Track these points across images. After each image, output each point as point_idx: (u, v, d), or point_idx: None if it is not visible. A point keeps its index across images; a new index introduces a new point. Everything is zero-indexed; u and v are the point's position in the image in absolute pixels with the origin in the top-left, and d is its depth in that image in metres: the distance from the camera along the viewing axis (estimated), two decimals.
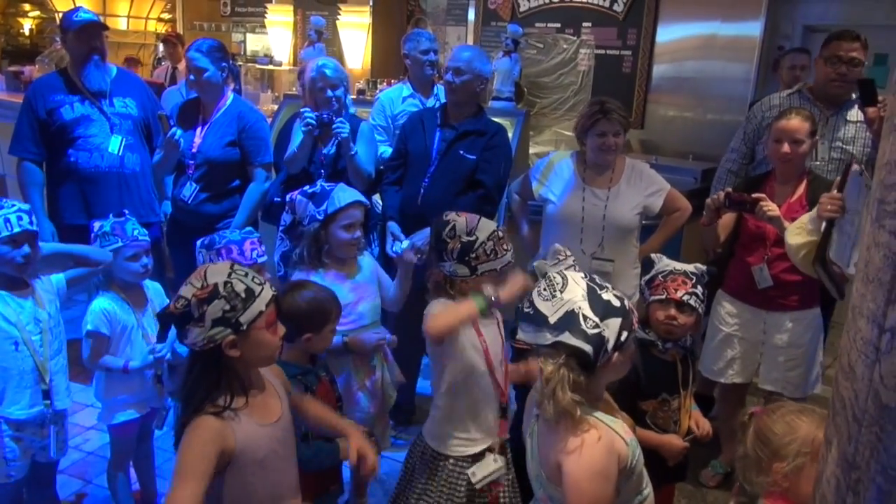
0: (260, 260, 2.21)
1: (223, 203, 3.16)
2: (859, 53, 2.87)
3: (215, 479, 1.43)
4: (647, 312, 2.08)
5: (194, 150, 3.10)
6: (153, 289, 2.49)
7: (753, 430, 1.42)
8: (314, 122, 2.91)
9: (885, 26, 3.74)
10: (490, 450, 1.93)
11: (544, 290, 1.44)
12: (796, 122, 2.52)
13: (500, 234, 1.87)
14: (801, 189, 2.60)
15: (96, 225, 2.32)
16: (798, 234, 2.30)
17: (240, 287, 1.44)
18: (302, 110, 3.02)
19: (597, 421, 1.42)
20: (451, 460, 1.89)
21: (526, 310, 1.46)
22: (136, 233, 2.33)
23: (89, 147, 3.12)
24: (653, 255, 2.17)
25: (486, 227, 1.86)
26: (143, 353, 2.35)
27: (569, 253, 1.76)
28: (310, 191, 2.29)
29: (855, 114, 2.91)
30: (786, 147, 2.54)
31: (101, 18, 3.26)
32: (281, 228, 2.35)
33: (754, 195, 2.49)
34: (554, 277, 1.45)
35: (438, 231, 1.87)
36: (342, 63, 3.37)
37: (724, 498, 2.86)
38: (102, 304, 2.30)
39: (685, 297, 2.02)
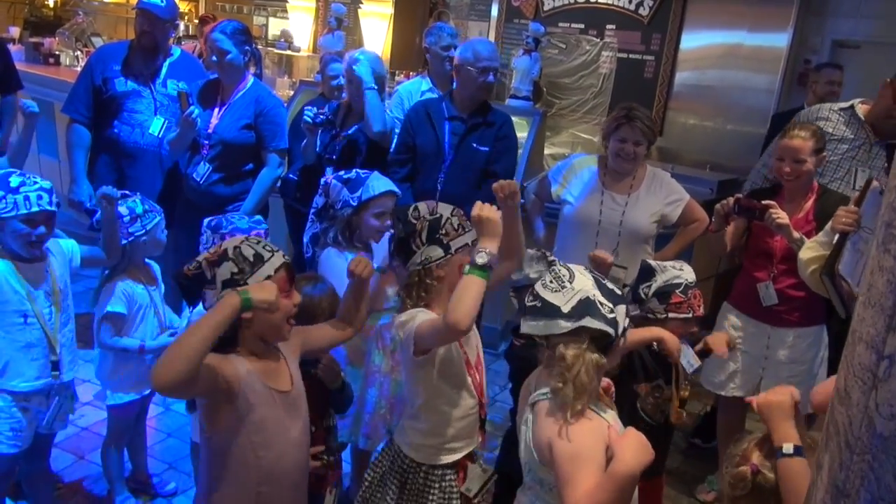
0: None
1: (235, 185, 3.19)
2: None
3: (220, 436, 1.49)
4: (652, 325, 2.04)
5: (210, 131, 3.12)
6: (155, 267, 2.52)
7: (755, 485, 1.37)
8: (310, 121, 3.02)
9: None
10: (470, 458, 1.90)
11: (550, 282, 1.49)
12: (798, 142, 2.48)
13: (461, 210, 1.85)
14: (808, 205, 2.57)
15: (122, 209, 2.31)
16: (811, 248, 2.27)
17: (248, 252, 1.52)
18: (304, 107, 3.06)
19: (592, 411, 1.47)
20: (425, 471, 1.83)
21: (531, 303, 1.50)
22: (154, 204, 2.41)
23: (132, 122, 3.23)
24: (651, 262, 2.12)
25: (445, 205, 1.85)
26: (154, 332, 2.39)
27: (548, 254, 1.77)
28: (345, 176, 2.32)
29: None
30: (787, 167, 2.51)
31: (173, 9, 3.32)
32: (312, 210, 2.38)
33: (764, 202, 2.46)
34: (560, 270, 1.52)
35: (403, 217, 1.81)
36: None
37: None
38: (122, 284, 2.33)
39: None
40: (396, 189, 2.36)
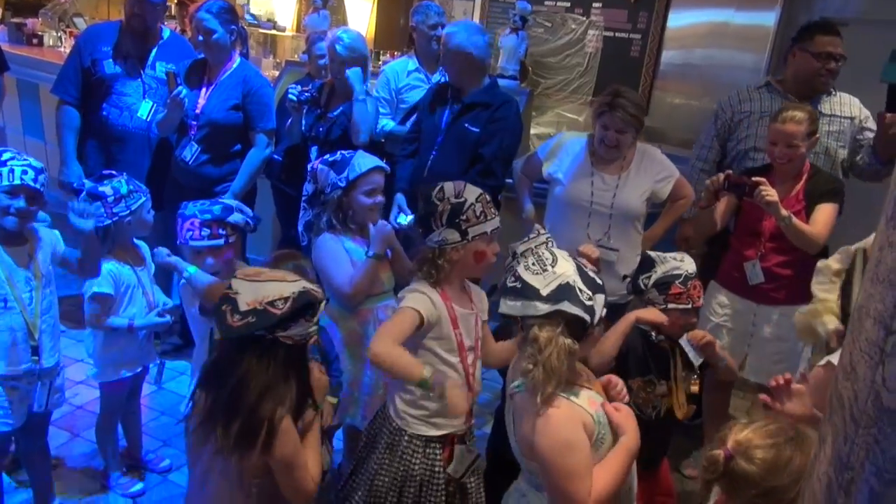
0: (194, 244, 2.19)
1: (223, 166, 3.17)
2: (842, 49, 2.83)
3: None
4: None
5: (197, 111, 3.10)
6: (144, 248, 2.50)
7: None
8: (295, 100, 3.01)
9: None
10: (461, 439, 1.93)
11: (532, 264, 1.51)
12: (792, 127, 2.48)
13: (488, 197, 1.86)
14: (800, 185, 2.59)
15: (107, 189, 2.28)
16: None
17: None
18: (289, 87, 3.04)
19: (560, 397, 1.48)
20: (408, 437, 1.87)
21: (512, 284, 1.51)
22: (141, 185, 2.38)
23: (121, 105, 3.19)
24: (652, 254, 2.13)
25: (473, 189, 1.85)
26: (142, 311, 2.39)
27: (542, 231, 1.78)
28: (330, 159, 2.31)
29: (829, 107, 2.86)
30: (780, 150, 2.52)
31: None
32: (304, 198, 2.37)
33: (754, 178, 2.47)
34: (543, 253, 1.54)
35: (427, 196, 1.83)
36: None
37: None
38: (108, 265, 2.31)
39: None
40: (384, 165, 2.35)
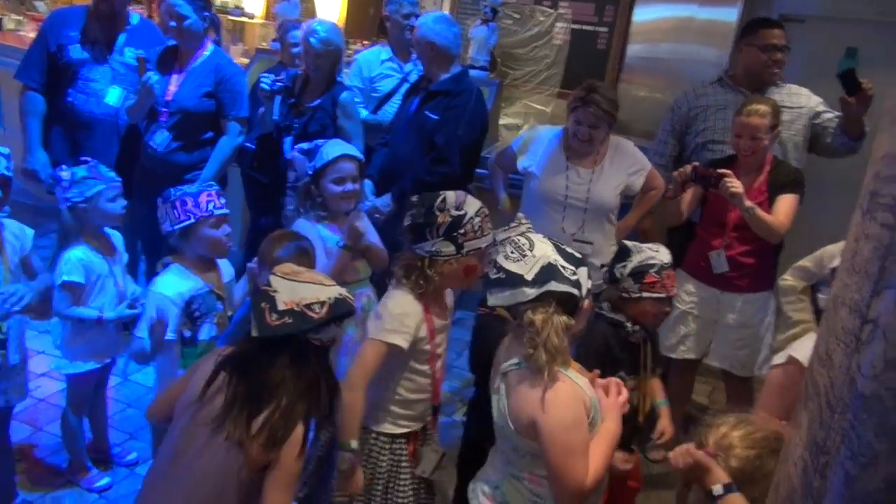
0: (217, 212, 2.19)
1: (194, 154, 3.11)
2: (786, 40, 2.97)
3: None
4: (626, 303, 2.07)
5: (168, 98, 3.04)
6: (116, 237, 2.44)
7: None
8: (268, 89, 2.98)
9: (858, 20, 3.80)
10: (422, 441, 1.94)
11: (511, 252, 1.54)
12: (756, 121, 2.56)
13: (486, 211, 1.84)
14: (762, 177, 2.66)
15: (65, 173, 2.25)
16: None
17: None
18: (261, 75, 3.00)
19: (564, 374, 1.52)
20: (374, 434, 1.87)
21: (495, 276, 1.54)
22: (111, 174, 2.33)
23: (88, 91, 3.10)
24: (628, 244, 2.16)
25: (473, 202, 1.82)
26: (113, 302, 2.34)
27: (524, 220, 1.79)
28: (306, 148, 2.33)
29: (778, 98, 2.94)
30: (744, 142, 2.60)
31: None
32: (289, 185, 2.40)
33: (720, 170, 2.54)
34: (518, 240, 1.56)
35: (428, 204, 1.77)
36: None
37: (668, 472, 2.96)
38: (78, 253, 2.26)
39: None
40: (355, 153, 2.34)
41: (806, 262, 2.21)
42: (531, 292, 1.48)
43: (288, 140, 3.03)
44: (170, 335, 2.12)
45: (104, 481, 2.55)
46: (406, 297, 1.79)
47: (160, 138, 3.04)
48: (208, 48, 3.09)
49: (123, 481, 2.60)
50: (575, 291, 1.50)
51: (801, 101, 2.99)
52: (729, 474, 1.30)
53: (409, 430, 1.88)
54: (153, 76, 2.90)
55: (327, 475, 1.93)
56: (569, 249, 1.56)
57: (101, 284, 2.32)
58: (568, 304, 1.50)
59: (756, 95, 2.84)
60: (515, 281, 1.49)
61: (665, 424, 2.15)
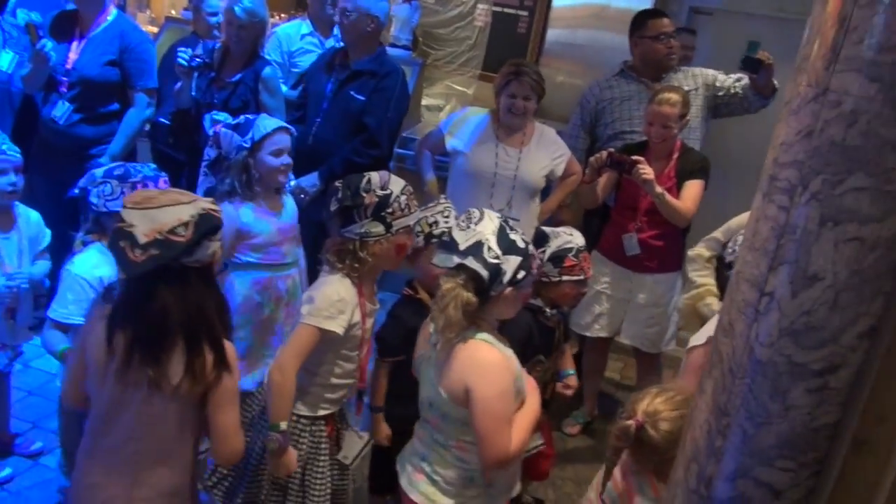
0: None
1: (100, 126, 2.96)
2: (672, 27, 3.16)
3: None
4: (546, 287, 2.12)
5: (69, 67, 2.86)
6: (32, 218, 2.30)
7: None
8: (185, 64, 2.84)
9: (761, 15, 4.03)
10: (344, 425, 1.96)
11: (462, 221, 1.60)
12: (667, 109, 2.68)
13: (411, 189, 1.86)
14: (671, 163, 2.80)
15: None
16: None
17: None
18: (177, 49, 2.88)
19: (491, 344, 1.57)
20: (295, 417, 1.86)
21: (444, 238, 1.62)
22: (3, 147, 2.19)
23: None
24: (545, 229, 2.22)
25: (397, 181, 1.83)
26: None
27: (442, 200, 1.83)
28: (233, 122, 2.26)
29: (677, 83, 3.08)
30: (656, 130, 2.73)
31: None
32: (204, 164, 2.29)
33: (633, 157, 2.66)
34: (473, 212, 1.61)
35: (354, 187, 1.77)
36: None
37: (584, 445, 3.10)
38: None
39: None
40: (290, 126, 2.32)
41: (716, 233, 2.35)
42: (455, 261, 1.54)
43: (207, 117, 2.92)
44: (78, 319, 2.00)
45: (5, 472, 2.42)
46: (343, 282, 1.78)
47: (61, 110, 2.86)
48: (111, 13, 2.92)
49: (26, 473, 2.47)
50: (484, 273, 1.52)
51: (697, 81, 3.16)
52: (660, 438, 1.39)
53: (328, 412, 1.89)
54: (48, 43, 2.71)
55: (246, 463, 1.90)
56: (512, 236, 1.57)
57: None
58: (478, 283, 1.53)
59: (668, 85, 2.97)
60: (452, 247, 1.56)
61: (571, 382, 2.28)
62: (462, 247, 1.55)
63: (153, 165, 2.17)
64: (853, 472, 0.85)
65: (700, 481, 0.95)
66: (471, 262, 1.52)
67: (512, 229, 1.60)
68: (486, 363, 1.55)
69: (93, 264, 1.99)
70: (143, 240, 1.36)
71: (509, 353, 1.61)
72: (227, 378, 1.47)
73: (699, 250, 2.36)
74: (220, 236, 1.49)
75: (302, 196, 2.80)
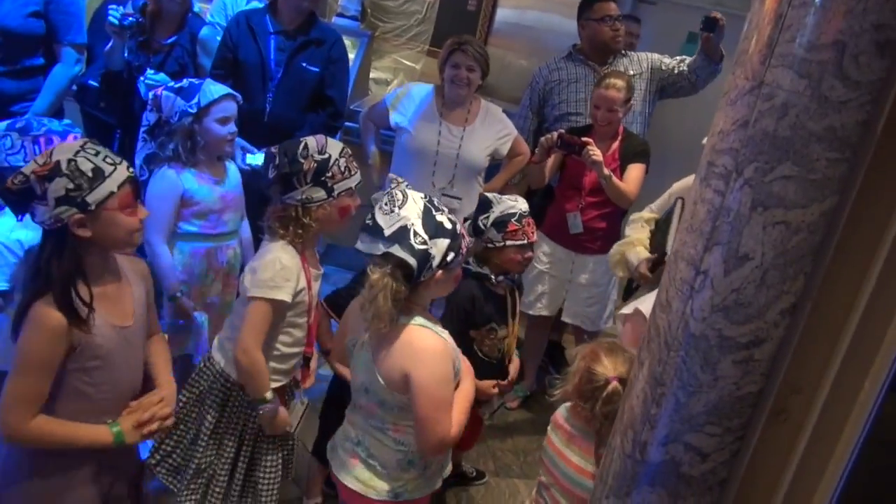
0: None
1: (23, 82, 2.76)
2: (616, 10, 3.25)
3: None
4: (491, 253, 2.16)
5: None
6: None
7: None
8: (117, 24, 2.68)
9: (702, 7, 4.15)
10: (288, 394, 1.96)
11: (385, 204, 1.54)
12: (613, 94, 2.76)
13: (349, 151, 1.84)
14: (615, 146, 2.88)
15: None
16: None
17: (86, 165, 1.39)
18: (108, 6, 2.73)
19: (429, 329, 1.56)
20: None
21: (367, 221, 1.56)
22: None
23: None
24: (489, 195, 2.25)
25: (335, 144, 1.82)
26: None
27: (401, 180, 1.82)
28: (176, 86, 2.17)
29: (623, 67, 3.21)
30: (602, 114, 2.80)
31: None
32: (143, 129, 2.21)
33: (583, 139, 2.72)
34: (396, 194, 1.55)
35: (291, 153, 1.73)
36: None
37: (523, 418, 3.19)
38: None
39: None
40: (235, 93, 2.26)
41: (660, 198, 2.45)
42: (381, 248, 1.49)
43: (143, 81, 2.81)
44: (3, 285, 1.89)
45: None
46: (285, 249, 1.76)
47: None
48: None
49: None
50: (411, 261, 1.48)
51: (642, 65, 3.26)
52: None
53: (280, 384, 1.86)
54: None
55: (195, 438, 1.89)
56: (438, 218, 1.54)
57: None
58: (406, 271, 1.49)
59: (614, 70, 3.04)
60: (376, 232, 1.52)
61: (514, 367, 2.33)
62: (387, 233, 1.50)
63: (68, 121, 2.05)
64: (772, 437, 0.93)
65: (636, 446, 1.02)
66: (397, 251, 1.48)
67: (438, 209, 1.57)
68: (425, 350, 1.54)
69: (9, 227, 1.87)
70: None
71: (445, 335, 1.61)
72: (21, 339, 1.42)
73: (643, 214, 2.46)
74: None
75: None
